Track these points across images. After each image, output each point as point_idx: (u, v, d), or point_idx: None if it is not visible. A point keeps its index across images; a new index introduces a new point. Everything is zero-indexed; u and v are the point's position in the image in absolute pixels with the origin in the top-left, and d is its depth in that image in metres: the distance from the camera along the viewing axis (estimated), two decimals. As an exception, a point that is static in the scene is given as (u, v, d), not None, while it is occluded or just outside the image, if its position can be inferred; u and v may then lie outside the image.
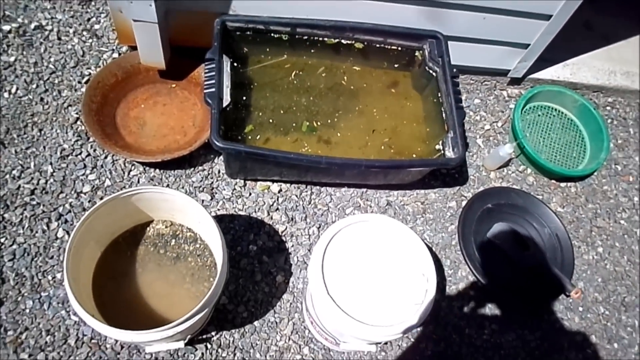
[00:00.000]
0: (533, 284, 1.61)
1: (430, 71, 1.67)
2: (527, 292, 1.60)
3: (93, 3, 1.87)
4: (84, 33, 1.81)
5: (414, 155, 1.60)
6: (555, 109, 1.98)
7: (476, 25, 1.69)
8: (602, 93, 2.09)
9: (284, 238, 1.59)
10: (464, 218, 1.65)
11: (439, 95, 1.62)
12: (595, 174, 1.93)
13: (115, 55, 1.79)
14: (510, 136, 1.89)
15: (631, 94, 2.10)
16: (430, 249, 1.65)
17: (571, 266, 1.66)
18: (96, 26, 1.84)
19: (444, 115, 1.59)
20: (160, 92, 1.74)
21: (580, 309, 1.67)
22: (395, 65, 1.73)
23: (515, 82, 1.99)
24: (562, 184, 1.87)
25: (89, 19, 1.85)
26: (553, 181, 1.87)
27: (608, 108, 2.12)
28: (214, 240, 1.24)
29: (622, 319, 1.68)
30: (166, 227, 1.38)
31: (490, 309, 1.60)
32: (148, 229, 1.37)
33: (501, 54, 1.82)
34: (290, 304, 1.50)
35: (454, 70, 1.60)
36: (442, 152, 1.55)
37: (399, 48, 1.70)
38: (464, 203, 1.73)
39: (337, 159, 1.45)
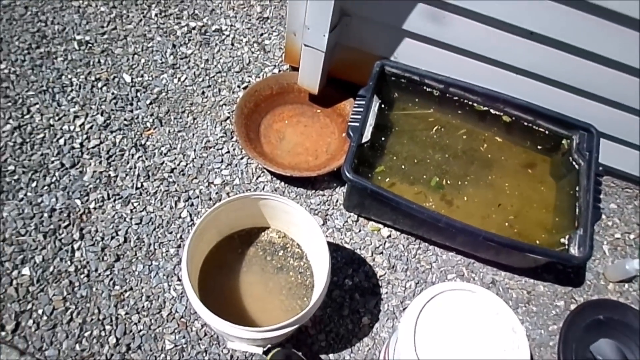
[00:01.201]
0: (630, 416, 1.46)
1: (574, 163, 1.62)
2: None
3: (269, 21, 2.05)
4: (255, 45, 1.99)
5: (537, 242, 1.55)
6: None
7: (631, 127, 1.62)
8: None
9: (380, 283, 1.59)
10: (571, 321, 1.55)
11: (577, 189, 1.56)
12: None
13: (276, 70, 1.94)
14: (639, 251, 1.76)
15: None
16: (524, 342, 1.57)
17: (679, 411, 1.49)
18: (266, 41, 2.01)
19: (577, 210, 1.53)
20: (305, 113, 1.84)
21: None
22: (538, 147, 1.70)
23: (662, 197, 1.86)
24: (690, 320, 1.70)
25: (262, 34, 2.02)
26: (679, 312, 1.70)
27: None
28: (319, 263, 1.28)
29: None
30: (279, 237, 1.45)
31: None
32: (263, 234, 1.45)
33: (655, 164, 1.72)
34: (369, 349, 1.49)
35: (600, 168, 1.54)
36: (567, 247, 1.49)
37: (546, 132, 1.67)
38: (572, 306, 1.62)
39: (457, 222, 1.44)
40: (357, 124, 1.50)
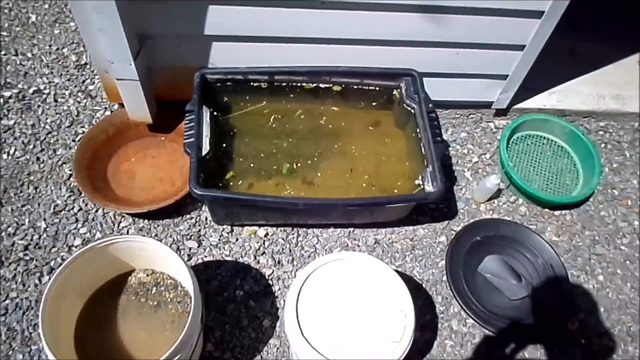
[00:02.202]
0: (528, 317, 1.56)
1: (409, 108, 1.69)
2: (523, 325, 1.55)
3: (88, 66, 1.98)
4: (79, 94, 1.91)
5: (396, 192, 1.61)
6: (545, 137, 1.97)
7: (451, 61, 1.72)
8: (592, 118, 2.07)
9: (270, 282, 1.59)
10: (452, 252, 1.63)
11: (418, 131, 1.64)
12: (592, 199, 1.89)
13: (108, 112, 1.88)
14: (498, 167, 1.88)
15: (623, 116, 2.08)
16: (420, 286, 1.63)
17: (568, 296, 1.60)
18: (90, 87, 1.94)
19: (423, 150, 1.60)
20: (150, 145, 1.80)
21: (583, 341, 1.59)
22: (375, 104, 1.77)
23: (501, 113, 2.00)
24: (557, 213, 1.84)
25: (83, 81, 1.95)
26: (547, 210, 1.83)
27: (601, 132, 2.09)
28: (191, 286, 1.25)
29: (629, 350, 1.60)
30: (147, 275, 1.40)
31: (484, 346, 1.55)
32: (130, 278, 1.40)
33: (481, 86, 1.84)
34: (277, 348, 1.49)
35: (430, 105, 1.62)
36: (422, 186, 1.56)
37: (377, 88, 1.74)
38: (454, 238, 1.71)
39: (315, 199, 1.47)
40: (192, 140, 1.48)
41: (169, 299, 1.38)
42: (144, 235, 1.60)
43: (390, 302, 1.26)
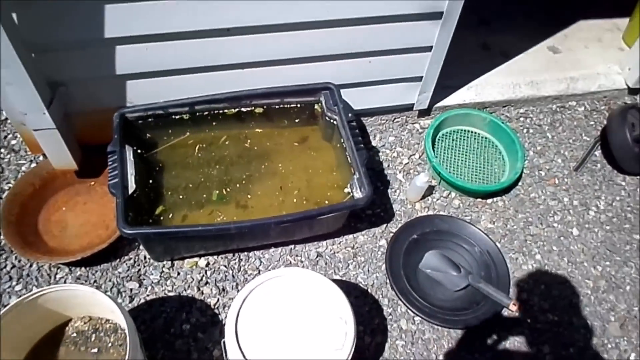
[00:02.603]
0: (471, 305, 1.60)
1: (331, 120, 1.73)
2: (469, 314, 1.58)
3: (8, 121, 1.95)
4: (2, 150, 1.88)
5: (327, 202, 1.63)
6: (469, 131, 2.04)
7: (365, 70, 1.78)
8: (512, 106, 2.17)
9: (217, 311, 1.58)
10: (390, 254, 1.66)
11: (342, 141, 1.68)
12: (521, 183, 1.96)
13: (34, 164, 1.85)
14: (428, 166, 1.93)
15: (540, 101, 2.18)
16: (366, 292, 1.65)
17: (507, 279, 1.66)
18: (13, 141, 1.90)
19: (349, 159, 1.64)
20: (80, 191, 1.78)
21: (529, 320, 1.65)
22: (299, 121, 1.80)
23: (424, 113, 2.06)
24: (489, 201, 1.90)
25: (5, 137, 1.92)
26: (479, 200, 1.90)
27: (522, 119, 2.18)
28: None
29: (574, 322, 1.66)
30: (85, 323, 1.38)
31: (434, 340, 1.58)
32: (67, 328, 1.37)
33: (399, 90, 1.90)
34: (230, 375, 1.48)
35: (350, 115, 1.67)
36: (351, 194, 1.59)
37: (298, 105, 1.78)
38: (394, 239, 1.74)
39: (246, 221, 1.47)
40: (116, 180, 1.48)
41: (109, 344, 1.35)
42: (82, 284, 1.57)
43: (329, 311, 1.28)
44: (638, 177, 2.04)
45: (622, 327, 1.67)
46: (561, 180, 2.00)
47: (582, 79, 2.23)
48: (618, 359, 1.61)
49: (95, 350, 1.34)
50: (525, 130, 2.15)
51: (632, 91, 2.30)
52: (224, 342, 1.23)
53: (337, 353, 1.21)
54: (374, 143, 2.02)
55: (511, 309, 1.55)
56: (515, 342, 1.60)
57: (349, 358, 1.21)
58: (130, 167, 1.54)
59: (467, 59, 2.20)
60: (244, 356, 1.18)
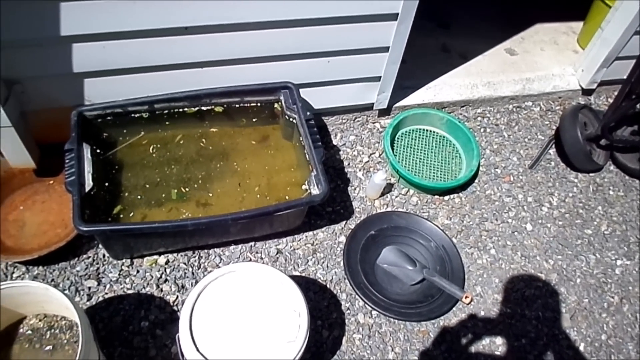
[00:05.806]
0: (426, 299, 1.64)
1: (290, 119, 1.76)
2: (424, 307, 1.63)
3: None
4: (-42, 150, 1.85)
5: (287, 198, 1.66)
6: (427, 130, 2.09)
7: (324, 69, 1.81)
8: (469, 106, 2.23)
9: (175, 307, 1.59)
10: (348, 250, 1.69)
11: (301, 139, 1.70)
12: (477, 181, 2.02)
13: (-9, 164, 1.83)
14: (388, 163, 1.97)
15: (497, 101, 2.24)
16: (325, 287, 1.68)
17: (461, 272, 1.71)
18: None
19: (307, 156, 1.67)
20: (39, 190, 1.77)
21: (482, 312, 1.70)
22: (258, 120, 1.83)
23: (384, 112, 2.11)
24: (446, 198, 1.95)
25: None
26: (437, 197, 1.94)
27: (479, 118, 2.24)
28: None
29: (526, 313, 1.72)
30: (40, 320, 1.38)
31: (390, 333, 1.61)
32: (21, 326, 1.36)
33: (358, 90, 1.94)
34: (189, 371, 1.49)
35: (308, 113, 1.70)
36: (309, 190, 1.62)
37: (258, 104, 1.80)
38: (353, 236, 1.78)
39: (203, 218, 1.49)
40: (73, 178, 1.48)
41: (65, 341, 1.35)
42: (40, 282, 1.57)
43: (283, 304, 1.30)
44: (589, 174, 2.12)
45: (572, 318, 1.74)
46: (516, 178, 2.07)
47: (537, 80, 2.31)
48: (568, 349, 1.67)
49: (50, 347, 1.34)
50: (482, 130, 2.21)
51: (586, 92, 2.39)
52: (177, 337, 1.24)
53: (290, 345, 1.24)
54: (335, 142, 2.05)
55: (464, 301, 1.60)
56: (469, 334, 1.65)
57: (302, 350, 1.23)
58: (87, 165, 1.54)
59: (426, 60, 2.26)
60: (197, 350, 1.20)
